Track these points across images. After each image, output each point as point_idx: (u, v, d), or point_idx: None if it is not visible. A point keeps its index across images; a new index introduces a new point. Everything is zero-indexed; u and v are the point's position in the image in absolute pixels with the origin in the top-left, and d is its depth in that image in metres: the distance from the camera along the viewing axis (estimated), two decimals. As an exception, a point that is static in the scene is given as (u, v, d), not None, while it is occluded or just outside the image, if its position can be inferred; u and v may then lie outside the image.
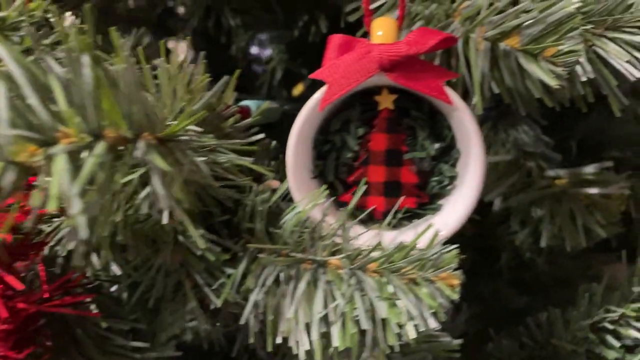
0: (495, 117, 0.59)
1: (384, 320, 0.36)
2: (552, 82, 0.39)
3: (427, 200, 0.45)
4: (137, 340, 0.47)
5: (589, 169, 0.55)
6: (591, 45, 0.45)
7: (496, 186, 0.57)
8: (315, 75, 0.40)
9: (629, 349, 0.52)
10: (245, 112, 0.51)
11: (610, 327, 0.52)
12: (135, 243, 0.43)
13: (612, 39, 0.43)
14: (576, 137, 0.69)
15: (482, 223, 0.62)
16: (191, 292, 0.45)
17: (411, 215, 0.45)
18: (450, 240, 0.70)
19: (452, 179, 0.44)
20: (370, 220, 0.45)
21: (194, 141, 0.36)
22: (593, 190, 0.54)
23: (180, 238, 0.46)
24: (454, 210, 0.43)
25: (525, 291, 0.86)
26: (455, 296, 0.36)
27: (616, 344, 0.51)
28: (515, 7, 0.40)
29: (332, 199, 0.44)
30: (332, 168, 0.45)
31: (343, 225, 0.41)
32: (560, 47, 0.39)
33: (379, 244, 0.40)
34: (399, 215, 0.45)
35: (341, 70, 0.39)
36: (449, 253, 0.38)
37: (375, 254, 0.38)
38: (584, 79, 0.43)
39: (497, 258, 0.79)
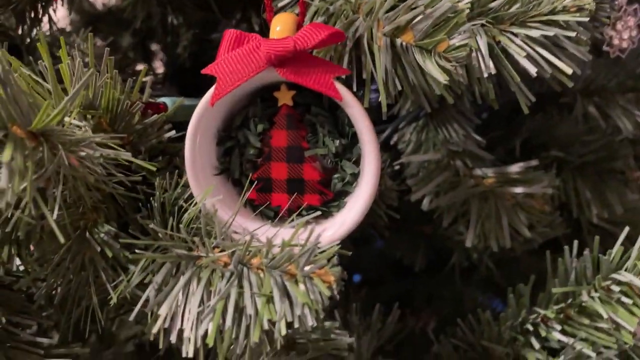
0: (426, 115, 0.58)
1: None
2: (441, 78, 0.39)
3: (331, 198, 0.45)
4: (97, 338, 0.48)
5: (515, 168, 0.54)
6: (498, 42, 0.44)
7: (424, 185, 0.56)
8: (206, 70, 0.40)
9: (553, 352, 0.51)
10: (161, 109, 0.51)
11: (531, 328, 0.51)
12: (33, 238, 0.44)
13: (516, 35, 0.43)
14: (521, 136, 0.68)
15: (435, 223, 0.61)
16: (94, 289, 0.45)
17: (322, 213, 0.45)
18: (402, 238, 0.69)
19: (355, 176, 0.44)
20: (275, 217, 0.45)
21: (67, 135, 0.36)
22: (518, 190, 0.53)
23: (87, 234, 0.46)
24: (352, 208, 0.43)
25: (479, 291, 0.85)
26: (329, 293, 0.35)
27: (537, 345, 0.50)
28: (405, 3, 0.40)
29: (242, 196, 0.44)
30: (237, 165, 0.45)
31: (230, 221, 0.41)
32: (450, 43, 0.39)
33: (269, 241, 0.40)
34: (304, 213, 0.45)
35: (231, 66, 0.39)
36: (327, 250, 0.37)
37: (259, 249, 0.38)
38: (485, 75, 0.43)
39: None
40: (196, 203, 0.43)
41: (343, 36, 0.41)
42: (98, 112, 0.46)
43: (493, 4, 0.44)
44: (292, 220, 0.43)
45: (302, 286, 0.36)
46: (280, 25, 0.42)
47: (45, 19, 0.76)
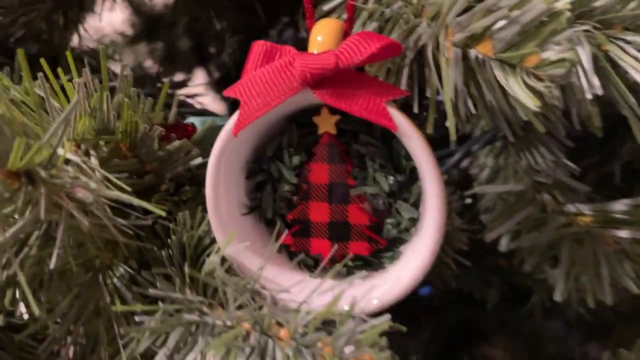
0: (505, 137, 0.48)
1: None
2: (531, 103, 0.29)
3: (383, 246, 0.36)
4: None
5: (619, 206, 0.44)
6: (606, 51, 0.34)
7: (502, 222, 0.46)
8: (228, 92, 0.32)
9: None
10: (189, 131, 0.44)
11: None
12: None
13: (630, 43, 0.33)
14: (620, 160, 0.57)
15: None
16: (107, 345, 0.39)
17: (367, 263, 0.37)
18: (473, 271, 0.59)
19: (413, 221, 0.35)
20: (316, 266, 0.37)
21: (54, 176, 0.29)
22: (623, 233, 0.43)
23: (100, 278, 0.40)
24: (410, 262, 0.34)
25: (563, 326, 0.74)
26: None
27: None
28: (483, 4, 0.30)
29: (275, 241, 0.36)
30: (270, 202, 0.37)
31: (259, 274, 0.33)
32: (543, 56, 0.29)
33: (299, 306, 0.32)
34: (349, 264, 0.36)
35: (258, 87, 0.32)
36: (375, 326, 0.28)
37: (288, 319, 0.30)
38: (589, 96, 0.33)
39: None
40: (219, 249, 0.35)
41: (400, 48, 0.32)
42: (114, 137, 0.39)
43: (599, 3, 0.34)
44: (335, 272, 0.35)
45: (336, 375, 0.28)
46: (322, 35, 0.34)
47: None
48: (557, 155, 0.47)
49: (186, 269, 0.35)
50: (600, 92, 0.33)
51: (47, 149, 0.29)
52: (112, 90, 0.59)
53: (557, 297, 0.45)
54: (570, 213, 0.45)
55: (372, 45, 0.30)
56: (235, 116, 0.33)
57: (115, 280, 0.39)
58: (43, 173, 0.29)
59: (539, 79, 0.30)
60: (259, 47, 0.33)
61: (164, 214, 0.33)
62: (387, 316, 0.29)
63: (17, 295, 0.40)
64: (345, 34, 0.35)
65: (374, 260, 0.36)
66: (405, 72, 0.37)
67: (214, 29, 0.63)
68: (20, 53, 0.31)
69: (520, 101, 0.30)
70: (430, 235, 0.32)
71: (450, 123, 0.34)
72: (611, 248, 0.44)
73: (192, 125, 0.44)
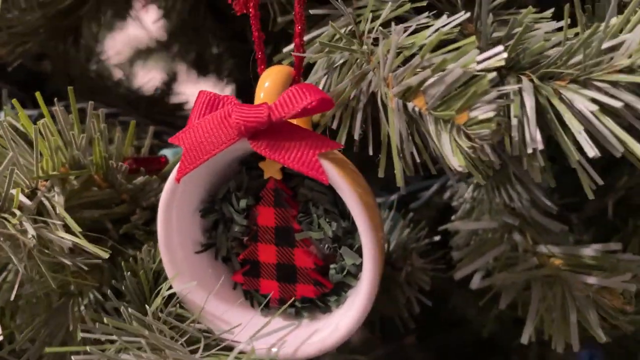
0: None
1: None
2: (455, 162, 0.29)
3: (330, 289, 0.36)
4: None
5: (589, 251, 0.42)
6: (564, 102, 0.33)
7: (473, 260, 0.46)
8: (173, 139, 0.34)
9: None
10: (162, 163, 0.46)
11: None
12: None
13: (579, 94, 0.32)
14: (615, 195, 0.55)
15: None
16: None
17: (315, 305, 0.37)
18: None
19: (358, 267, 0.35)
20: (267, 306, 0.38)
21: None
22: (591, 279, 0.41)
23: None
24: (349, 310, 0.34)
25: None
26: None
27: None
28: (411, 62, 0.30)
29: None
30: (224, 241, 0.38)
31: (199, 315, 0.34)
32: (471, 115, 0.29)
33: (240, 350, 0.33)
34: (297, 305, 0.37)
35: (198, 136, 0.33)
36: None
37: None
38: (529, 150, 0.32)
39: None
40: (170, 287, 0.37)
41: (331, 104, 0.32)
42: (85, 171, 0.41)
43: (550, 52, 0.33)
44: (282, 312, 0.36)
45: None
46: (270, 81, 0.35)
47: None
48: (535, 193, 0.46)
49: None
50: (540, 146, 0.32)
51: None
52: (115, 116, 0.61)
53: (524, 339, 0.44)
54: (543, 254, 0.44)
55: (304, 100, 0.31)
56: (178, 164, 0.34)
57: (82, 307, 0.41)
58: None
59: (468, 138, 0.29)
60: (203, 96, 0.34)
61: (106, 256, 0.34)
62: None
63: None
64: (294, 80, 0.36)
65: (321, 303, 0.37)
66: (359, 115, 0.37)
67: (210, 51, 0.64)
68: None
69: (447, 157, 0.30)
70: (364, 287, 0.33)
71: (397, 168, 0.34)
72: (580, 293, 0.42)
73: (165, 157, 0.45)
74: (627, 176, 0.55)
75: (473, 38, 0.29)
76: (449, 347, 0.87)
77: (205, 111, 0.33)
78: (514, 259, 0.46)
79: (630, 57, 0.30)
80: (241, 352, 0.33)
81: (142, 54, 0.85)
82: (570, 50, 0.31)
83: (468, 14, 0.32)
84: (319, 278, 0.36)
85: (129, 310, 0.34)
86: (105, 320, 0.34)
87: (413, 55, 0.32)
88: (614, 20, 0.32)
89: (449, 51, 0.30)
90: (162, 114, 0.59)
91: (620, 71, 0.31)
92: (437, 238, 0.47)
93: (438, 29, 0.32)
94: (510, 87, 0.31)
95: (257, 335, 0.35)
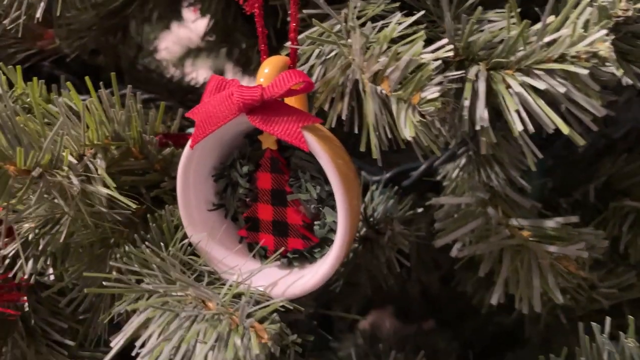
0: (468, 154, 0.54)
1: None
2: (406, 133, 0.36)
3: (316, 243, 0.44)
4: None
5: (552, 223, 0.48)
6: (507, 87, 0.39)
7: (453, 230, 0.52)
8: (188, 114, 0.42)
9: None
10: (188, 138, 0.54)
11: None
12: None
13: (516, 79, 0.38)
14: (598, 180, 0.60)
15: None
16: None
17: (303, 256, 0.44)
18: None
19: (335, 224, 0.42)
20: (266, 256, 0.46)
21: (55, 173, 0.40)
22: (552, 248, 0.47)
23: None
24: (326, 258, 0.41)
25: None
26: (257, 351, 0.35)
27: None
28: (373, 51, 0.37)
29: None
30: (232, 202, 0.46)
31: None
32: (422, 95, 0.36)
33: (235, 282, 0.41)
34: (289, 255, 0.44)
35: (208, 111, 0.40)
36: (267, 307, 0.37)
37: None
38: (477, 127, 0.38)
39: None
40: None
41: (311, 86, 0.39)
42: (124, 143, 0.50)
43: (501, 46, 0.39)
44: (274, 260, 0.43)
45: (237, 340, 0.36)
46: (269, 68, 0.42)
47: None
48: (510, 173, 0.51)
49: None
50: (486, 124, 0.38)
51: (49, 153, 0.40)
52: (154, 101, 0.70)
53: (493, 300, 0.50)
54: (514, 226, 0.50)
55: (290, 82, 0.38)
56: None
57: (117, 256, 0.50)
58: (46, 172, 0.40)
59: (421, 115, 0.36)
60: (213, 80, 0.42)
61: (134, 207, 0.43)
62: (281, 299, 0.37)
63: (48, 262, 0.52)
64: (289, 68, 0.43)
65: (308, 254, 0.44)
66: (346, 99, 0.44)
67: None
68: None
69: (401, 129, 0.36)
70: (338, 239, 0.40)
71: (372, 143, 0.41)
72: (544, 261, 0.48)
73: (191, 134, 0.54)
74: (610, 164, 0.59)
75: (422, 32, 0.36)
76: (469, 333, 0.92)
77: (215, 91, 0.41)
78: (489, 230, 0.52)
79: (564, 48, 0.36)
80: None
81: (192, 52, 0.94)
82: (509, 43, 0.37)
83: (422, 12, 0.39)
84: (306, 233, 0.43)
85: (148, 249, 0.43)
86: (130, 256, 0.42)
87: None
88: (552, 18, 0.37)
89: (406, 43, 0.37)
90: (194, 101, 0.68)
91: (555, 60, 0.37)
92: (420, 210, 0.53)
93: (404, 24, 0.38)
94: (457, 73, 0.37)
95: (254, 277, 0.43)
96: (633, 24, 0.41)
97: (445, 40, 0.36)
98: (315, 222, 0.43)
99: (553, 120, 0.36)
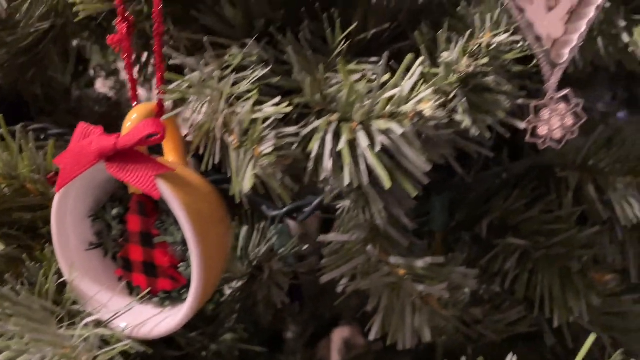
0: (357, 192, 0.55)
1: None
2: (246, 185, 0.38)
3: (184, 284, 0.45)
4: None
5: (421, 263, 0.49)
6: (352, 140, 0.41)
7: (336, 267, 0.53)
8: (55, 160, 0.43)
9: None
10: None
11: None
12: None
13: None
14: (491, 216, 0.61)
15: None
16: None
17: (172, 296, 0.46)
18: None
19: (198, 267, 0.44)
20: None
21: None
22: (421, 287, 0.48)
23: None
24: (186, 302, 0.43)
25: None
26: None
27: None
28: (218, 106, 0.39)
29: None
30: (109, 242, 0.47)
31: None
32: (260, 149, 0.37)
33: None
34: (161, 295, 0.46)
35: (71, 158, 0.42)
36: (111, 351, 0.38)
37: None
38: (321, 177, 0.40)
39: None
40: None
41: (162, 138, 0.41)
42: (16, 181, 0.52)
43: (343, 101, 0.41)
44: (144, 300, 0.45)
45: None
46: (136, 114, 0.44)
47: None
48: (393, 211, 0.53)
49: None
50: (329, 175, 0.40)
51: None
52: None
53: (371, 336, 0.51)
54: (393, 265, 0.52)
55: (142, 133, 0.40)
56: (60, 177, 0.43)
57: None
58: None
59: (261, 167, 0.38)
60: (80, 127, 0.43)
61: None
62: (125, 343, 0.39)
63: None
64: (156, 115, 0.45)
65: (177, 294, 0.46)
66: (217, 145, 0.45)
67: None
68: None
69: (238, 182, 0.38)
70: (193, 285, 0.41)
71: (236, 192, 0.43)
72: (415, 300, 0.49)
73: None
74: (503, 200, 0.61)
75: (255, 91, 0.38)
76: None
77: (80, 138, 0.43)
78: (372, 267, 0.53)
79: (395, 105, 0.38)
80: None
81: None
82: (348, 98, 0.39)
83: (266, 69, 0.41)
84: (174, 274, 0.45)
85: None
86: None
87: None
88: (387, 77, 0.39)
89: (247, 99, 0.39)
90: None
91: (389, 117, 0.39)
92: (305, 247, 0.55)
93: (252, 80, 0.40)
94: (293, 129, 0.39)
95: (127, 316, 0.44)
96: (480, 78, 0.43)
97: (277, 99, 0.38)
98: (180, 264, 0.45)
99: (382, 174, 0.38)
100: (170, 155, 0.47)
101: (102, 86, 1.02)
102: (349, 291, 0.54)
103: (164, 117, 0.44)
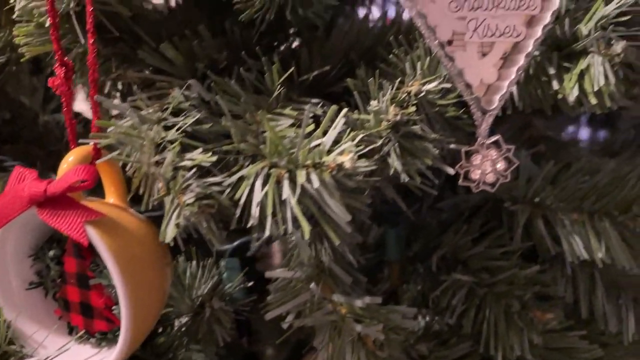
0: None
1: None
2: (168, 236, 0.38)
3: (118, 325, 0.45)
4: None
5: (359, 302, 0.50)
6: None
7: (281, 304, 0.54)
8: (-8, 203, 0.44)
9: None
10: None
11: None
12: None
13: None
14: (441, 250, 0.62)
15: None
16: None
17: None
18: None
19: (133, 309, 0.44)
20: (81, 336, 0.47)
21: None
22: (358, 327, 0.49)
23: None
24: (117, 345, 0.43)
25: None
26: None
27: None
28: (145, 156, 0.39)
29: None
30: (49, 282, 0.48)
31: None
32: (183, 199, 0.38)
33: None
34: (97, 336, 0.46)
35: (5, 202, 0.42)
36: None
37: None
38: (250, 223, 0.41)
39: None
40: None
41: (91, 184, 0.42)
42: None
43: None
44: (80, 340, 0.45)
45: None
46: (73, 157, 0.45)
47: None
48: (338, 249, 0.53)
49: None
50: (256, 222, 0.40)
51: None
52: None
53: (316, 377, 0.52)
54: (336, 303, 0.52)
55: (72, 179, 0.41)
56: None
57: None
58: None
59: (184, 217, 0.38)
60: (16, 171, 0.44)
61: None
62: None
63: None
64: (93, 158, 0.45)
65: (112, 335, 0.46)
66: (156, 184, 0.46)
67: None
68: None
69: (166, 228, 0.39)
70: (121, 332, 0.42)
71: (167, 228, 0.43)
72: (355, 339, 0.50)
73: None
74: (453, 234, 0.62)
75: (177, 143, 0.39)
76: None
77: (16, 182, 0.43)
78: (316, 304, 0.54)
79: (317, 156, 0.39)
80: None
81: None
82: (272, 146, 0.39)
83: (197, 116, 0.42)
84: (109, 316, 0.45)
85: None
86: None
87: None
88: (312, 127, 0.40)
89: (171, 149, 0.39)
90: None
91: (313, 166, 0.39)
92: (250, 284, 0.55)
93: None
94: (218, 178, 0.39)
95: (64, 357, 0.45)
96: (410, 125, 0.44)
97: (199, 149, 0.39)
98: (114, 307, 0.45)
99: (302, 224, 0.38)
100: (111, 196, 0.47)
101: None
102: (294, 327, 0.54)
103: (98, 161, 0.44)
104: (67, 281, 0.46)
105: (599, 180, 0.55)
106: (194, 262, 0.55)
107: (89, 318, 0.46)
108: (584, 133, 0.89)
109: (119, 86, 0.57)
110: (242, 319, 0.56)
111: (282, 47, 0.59)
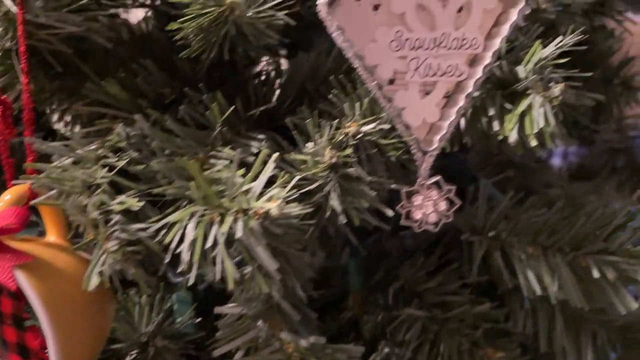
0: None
1: None
2: (92, 284, 0.38)
3: (56, 367, 0.45)
4: None
5: (304, 342, 0.49)
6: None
7: (229, 340, 0.53)
8: None
9: None
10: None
11: None
12: None
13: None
14: (397, 283, 0.61)
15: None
16: None
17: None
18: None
19: (68, 351, 0.44)
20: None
21: None
22: (303, 368, 0.48)
23: None
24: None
25: None
26: None
27: None
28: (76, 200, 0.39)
29: None
30: (-12, 321, 0.47)
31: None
32: (108, 246, 0.37)
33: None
34: (35, 377, 0.46)
35: (-63, 244, 0.42)
36: None
37: None
38: (180, 269, 0.40)
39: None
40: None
41: (18, 229, 0.41)
42: None
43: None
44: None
45: None
46: (9, 196, 0.44)
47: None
48: (289, 283, 0.53)
49: None
50: (186, 268, 0.40)
51: None
52: None
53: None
54: (284, 340, 0.51)
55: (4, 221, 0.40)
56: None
57: None
58: None
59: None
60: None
61: None
62: None
63: None
64: (29, 199, 0.45)
65: (49, 377, 0.45)
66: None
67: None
68: None
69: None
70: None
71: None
72: (300, 378, 0.49)
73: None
74: (409, 267, 0.61)
75: (103, 187, 0.38)
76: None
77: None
78: (265, 341, 0.53)
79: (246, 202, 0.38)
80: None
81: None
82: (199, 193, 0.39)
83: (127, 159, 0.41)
84: (45, 357, 0.45)
85: None
86: None
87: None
88: (242, 172, 0.39)
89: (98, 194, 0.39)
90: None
91: (242, 212, 0.38)
92: (198, 320, 0.54)
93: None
94: (143, 224, 0.39)
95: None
96: (347, 167, 0.43)
97: (129, 192, 0.39)
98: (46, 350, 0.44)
99: (228, 272, 0.38)
100: (52, 234, 0.47)
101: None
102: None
103: (33, 202, 0.44)
104: (4, 322, 0.46)
105: (551, 215, 0.54)
106: (144, 296, 0.55)
107: (26, 359, 0.45)
108: (556, 159, 0.88)
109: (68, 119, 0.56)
110: (193, 355, 0.56)
111: (236, 77, 0.58)
